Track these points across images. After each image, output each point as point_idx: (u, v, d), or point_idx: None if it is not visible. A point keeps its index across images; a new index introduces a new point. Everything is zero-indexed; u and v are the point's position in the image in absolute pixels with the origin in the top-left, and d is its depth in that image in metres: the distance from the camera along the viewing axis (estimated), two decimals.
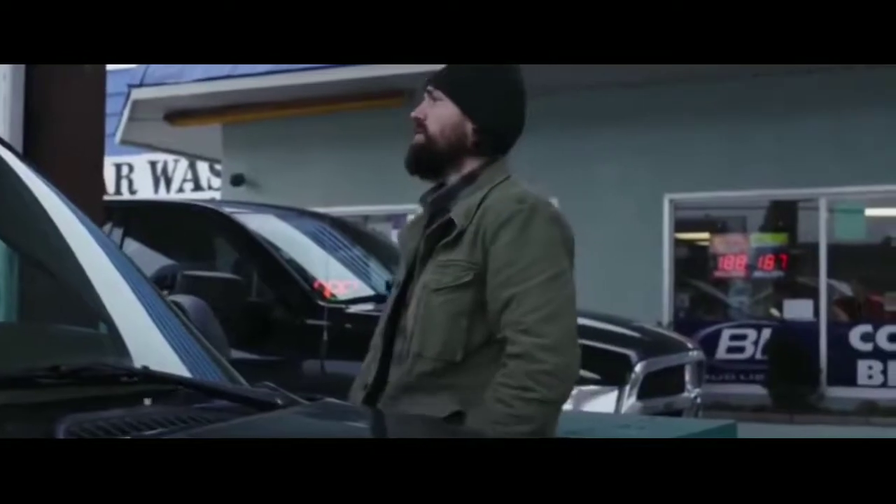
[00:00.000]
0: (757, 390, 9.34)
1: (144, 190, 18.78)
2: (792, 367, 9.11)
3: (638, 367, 4.97)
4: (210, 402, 1.63)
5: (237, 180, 12.33)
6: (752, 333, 9.74)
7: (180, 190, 18.61)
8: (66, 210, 2.10)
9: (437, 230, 2.51)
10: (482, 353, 2.42)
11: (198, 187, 18.28)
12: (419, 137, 2.52)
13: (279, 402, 1.70)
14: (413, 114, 2.55)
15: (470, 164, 2.53)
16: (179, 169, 18.58)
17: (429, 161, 2.53)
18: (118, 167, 19.11)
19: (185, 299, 2.31)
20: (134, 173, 19.14)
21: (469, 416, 2.36)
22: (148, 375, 1.56)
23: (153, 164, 18.77)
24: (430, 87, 2.53)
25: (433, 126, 2.50)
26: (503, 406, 2.31)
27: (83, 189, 3.37)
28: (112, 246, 2.20)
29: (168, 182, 18.83)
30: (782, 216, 10.16)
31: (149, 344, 1.92)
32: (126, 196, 18.16)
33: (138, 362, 1.72)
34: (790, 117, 9.51)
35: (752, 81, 9.40)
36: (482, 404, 2.34)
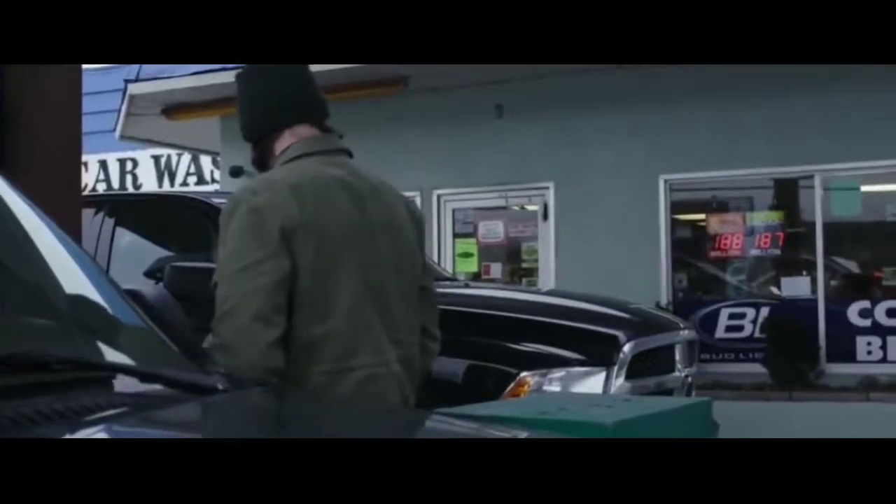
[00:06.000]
0: (756, 368, 9.30)
1: (148, 184, 18.81)
2: (791, 344, 9.07)
3: (626, 348, 4.97)
4: (149, 387, 1.64)
5: (236, 172, 12.29)
6: (750, 312, 9.71)
7: (184, 183, 18.63)
8: (22, 204, 2.12)
9: None
10: None
11: (201, 180, 18.30)
12: None
13: (219, 386, 1.71)
14: None
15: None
16: (182, 163, 18.60)
17: None
18: (122, 162, 19.15)
19: (147, 289, 2.34)
20: (138, 168, 19.17)
21: None
22: (80, 362, 1.57)
23: (156, 159, 18.80)
24: None
25: None
26: None
27: (61, 187, 3.40)
28: (66, 237, 2.22)
29: (172, 176, 18.85)
30: (778, 194, 10.11)
31: (99, 331, 1.93)
32: (130, 191, 18.19)
33: (91, 352, 1.74)
34: (781, 96, 9.46)
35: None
36: None
